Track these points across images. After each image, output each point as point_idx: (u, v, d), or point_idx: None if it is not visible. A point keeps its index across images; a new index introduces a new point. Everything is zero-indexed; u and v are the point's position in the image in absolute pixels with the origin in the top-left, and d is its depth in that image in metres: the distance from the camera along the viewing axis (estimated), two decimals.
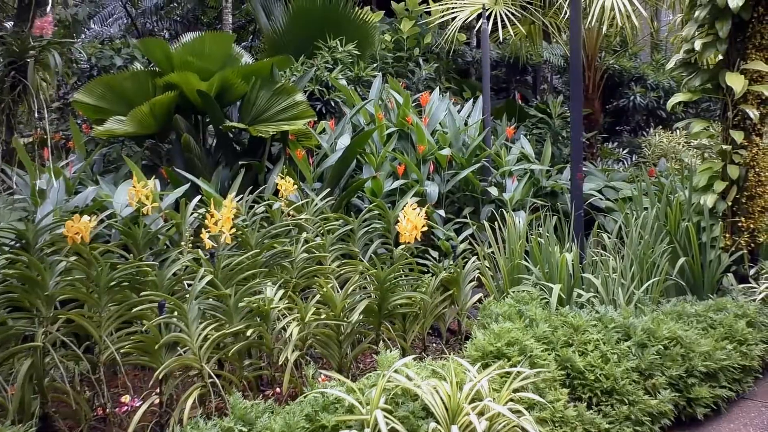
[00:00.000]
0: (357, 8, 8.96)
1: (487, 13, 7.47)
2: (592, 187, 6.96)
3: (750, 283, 5.67)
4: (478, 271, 4.67)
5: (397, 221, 4.11)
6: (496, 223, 5.51)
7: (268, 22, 9.02)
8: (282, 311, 3.62)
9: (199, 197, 4.76)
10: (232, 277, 3.70)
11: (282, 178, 4.92)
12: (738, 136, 5.55)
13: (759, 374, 4.71)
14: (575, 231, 5.54)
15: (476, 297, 4.55)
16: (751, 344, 4.69)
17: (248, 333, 3.27)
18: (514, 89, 11.55)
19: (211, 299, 3.47)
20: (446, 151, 6.15)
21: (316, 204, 5.32)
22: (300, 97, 6.16)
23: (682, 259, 5.40)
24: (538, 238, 5.29)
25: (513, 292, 4.65)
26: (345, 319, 3.65)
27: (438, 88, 7.56)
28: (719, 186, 5.66)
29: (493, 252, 5.03)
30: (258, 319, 3.48)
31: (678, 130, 9.33)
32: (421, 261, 5.40)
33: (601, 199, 6.93)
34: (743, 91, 5.43)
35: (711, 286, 5.58)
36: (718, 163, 5.77)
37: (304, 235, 4.36)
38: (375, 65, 9.37)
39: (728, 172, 5.62)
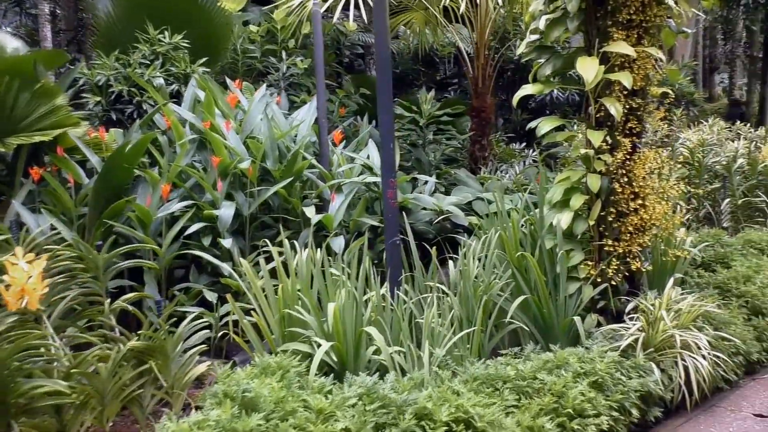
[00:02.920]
0: None
1: None
2: (453, 201, 5.86)
3: (624, 322, 4.60)
4: (208, 331, 3.56)
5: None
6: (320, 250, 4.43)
7: (109, 8, 7.81)
8: None
9: None
10: None
11: None
12: (596, 137, 4.49)
13: None
14: (388, 263, 4.46)
15: (201, 367, 3.43)
16: (589, 416, 3.64)
17: None
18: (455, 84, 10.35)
19: None
20: (246, 164, 5.04)
21: (62, 236, 4.21)
22: (61, 100, 5.05)
23: (521, 297, 4.32)
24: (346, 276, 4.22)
25: (260, 356, 3.56)
26: None
27: (265, 85, 6.45)
28: (577, 201, 4.59)
29: (257, 296, 3.93)
30: None
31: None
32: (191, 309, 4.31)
33: (465, 215, 5.84)
34: (597, 81, 4.37)
35: (567, 329, 4.50)
36: (578, 172, 4.69)
37: None
38: (237, 61, 8.27)
39: (588, 183, 4.55)
